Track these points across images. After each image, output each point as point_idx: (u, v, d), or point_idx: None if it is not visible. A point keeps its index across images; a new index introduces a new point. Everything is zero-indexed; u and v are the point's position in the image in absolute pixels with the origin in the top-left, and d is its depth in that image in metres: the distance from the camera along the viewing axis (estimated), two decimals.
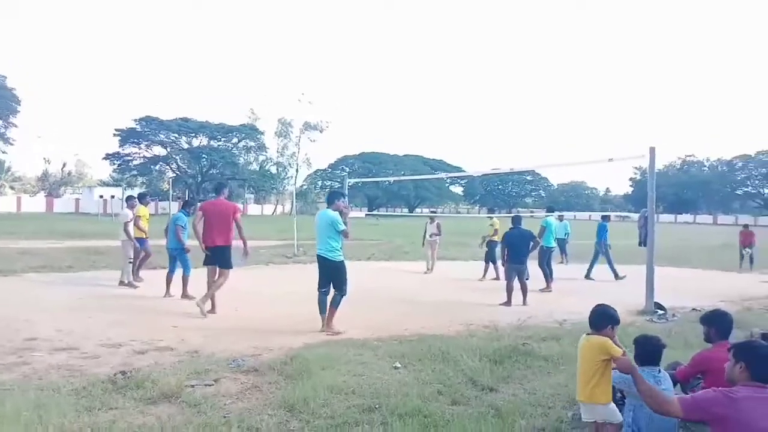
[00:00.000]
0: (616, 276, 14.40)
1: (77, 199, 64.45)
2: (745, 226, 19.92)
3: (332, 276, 7.68)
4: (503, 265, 11.14)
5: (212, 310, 8.73)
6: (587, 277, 14.70)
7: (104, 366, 5.74)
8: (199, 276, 9.64)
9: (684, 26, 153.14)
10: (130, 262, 11.29)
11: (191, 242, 10.11)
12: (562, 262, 18.19)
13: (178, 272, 10.23)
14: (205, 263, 9.01)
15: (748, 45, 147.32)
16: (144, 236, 11.81)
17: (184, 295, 9.89)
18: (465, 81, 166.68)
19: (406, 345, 6.77)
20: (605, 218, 16.32)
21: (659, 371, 3.95)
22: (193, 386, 5.06)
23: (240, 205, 10.43)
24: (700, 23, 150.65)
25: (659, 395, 3.20)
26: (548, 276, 12.55)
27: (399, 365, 5.92)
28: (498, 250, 12.74)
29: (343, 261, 7.75)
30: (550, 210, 14.94)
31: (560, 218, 19.95)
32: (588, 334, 3.88)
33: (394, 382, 5.33)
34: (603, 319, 3.88)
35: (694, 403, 3.02)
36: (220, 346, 6.66)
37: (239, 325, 7.89)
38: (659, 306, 9.62)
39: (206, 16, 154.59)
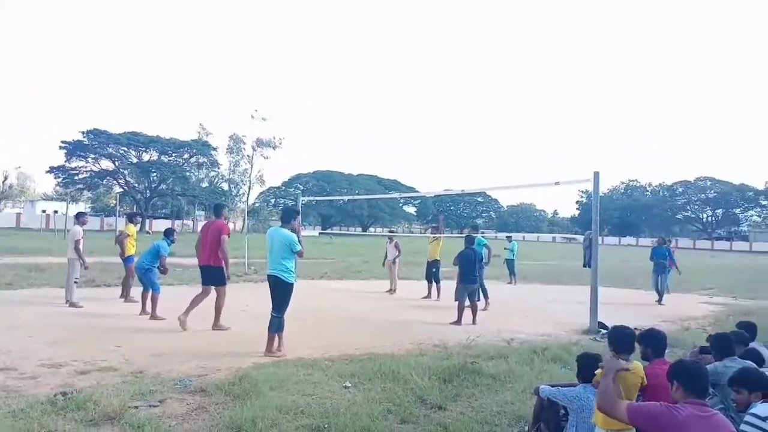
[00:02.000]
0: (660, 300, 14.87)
1: (18, 214, 61.92)
2: (666, 240, 19.78)
3: (276, 294, 7.42)
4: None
5: (184, 316, 8.86)
6: (660, 302, 14.83)
7: (44, 387, 5.55)
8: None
9: (628, 58, 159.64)
10: (76, 281, 10.93)
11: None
12: (510, 282, 18.55)
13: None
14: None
15: (688, 73, 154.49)
16: (132, 254, 11.73)
17: (153, 316, 9.72)
18: (419, 103, 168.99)
19: (357, 364, 6.79)
20: (662, 242, 16.55)
21: None
22: (137, 407, 4.94)
23: (229, 226, 10.51)
24: (647, 53, 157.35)
25: (612, 396, 3.34)
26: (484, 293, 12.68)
27: (349, 384, 5.93)
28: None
29: (293, 284, 7.54)
30: (475, 229, 15.06)
31: (509, 239, 20.38)
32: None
33: (344, 402, 5.34)
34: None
35: (640, 411, 3.17)
36: (166, 366, 6.53)
37: (186, 345, 7.74)
38: (602, 325, 9.90)
39: (157, 27, 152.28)
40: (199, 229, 9.84)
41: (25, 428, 4.35)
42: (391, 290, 15.13)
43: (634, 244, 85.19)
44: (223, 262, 8.94)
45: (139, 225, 12.16)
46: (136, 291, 11.14)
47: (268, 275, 7.61)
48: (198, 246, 9.34)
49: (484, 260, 12.01)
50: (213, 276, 9.03)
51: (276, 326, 7.38)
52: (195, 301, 9.06)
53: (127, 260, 11.71)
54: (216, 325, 9.00)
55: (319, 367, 6.60)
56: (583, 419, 3.92)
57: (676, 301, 15.33)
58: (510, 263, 19.10)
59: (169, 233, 10.90)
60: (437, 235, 15.28)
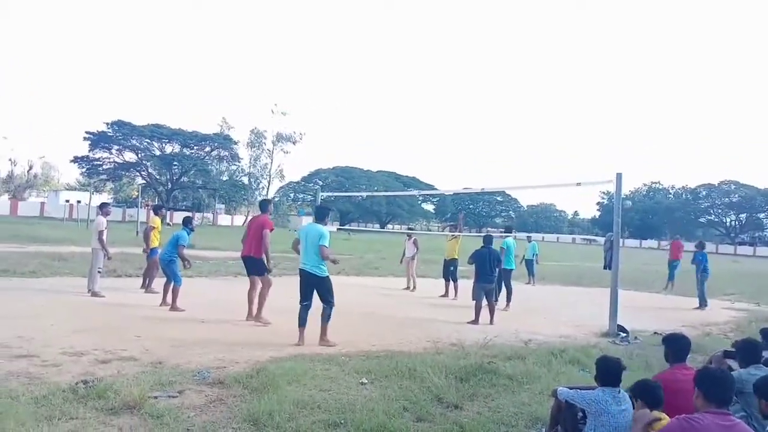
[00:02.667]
0: (702, 304, 14.60)
1: (42, 203, 62.91)
2: (676, 237, 19.32)
3: (319, 290, 7.79)
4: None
5: (250, 317, 9.16)
6: (703, 306, 14.59)
7: (65, 374, 5.64)
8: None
9: (654, 59, 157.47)
10: (99, 271, 11.09)
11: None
12: (528, 283, 18.42)
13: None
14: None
15: (715, 76, 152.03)
16: (156, 246, 11.91)
17: (173, 307, 9.82)
18: (441, 99, 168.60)
19: (374, 361, 6.79)
20: (702, 247, 16.24)
21: (619, 392, 4.05)
22: (156, 397, 5.00)
23: (272, 222, 10.90)
24: (672, 55, 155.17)
25: None
26: (509, 294, 12.68)
27: (365, 381, 5.95)
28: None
29: (328, 276, 7.87)
30: (509, 230, 15.00)
31: (528, 239, 20.25)
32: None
33: (360, 398, 5.35)
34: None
35: None
36: (185, 357, 6.59)
37: (205, 337, 7.81)
38: (622, 329, 9.81)
39: (182, 22, 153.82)
40: (238, 222, 10.11)
41: (47, 415, 4.43)
42: (409, 288, 15.12)
43: (655, 247, 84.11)
44: (264, 252, 9.19)
45: (163, 217, 12.26)
46: (158, 282, 11.29)
47: (300, 269, 7.90)
48: (244, 239, 9.56)
49: (502, 262, 11.97)
50: (254, 266, 9.29)
51: (327, 317, 7.78)
52: (251, 297, 9.25)
53: (151, 252, 11.84)
54: (258, 318, 9.05)
55: (336, 363, 6.63)
56: (601, 423, 3.88)
57: (696, 306, 15.10)
58: (529, 264, 19.00)
59: (187, 222, 10.93)
60: (455, 234, 15.21)
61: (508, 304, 12.52)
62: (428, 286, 15.71)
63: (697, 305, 14.55)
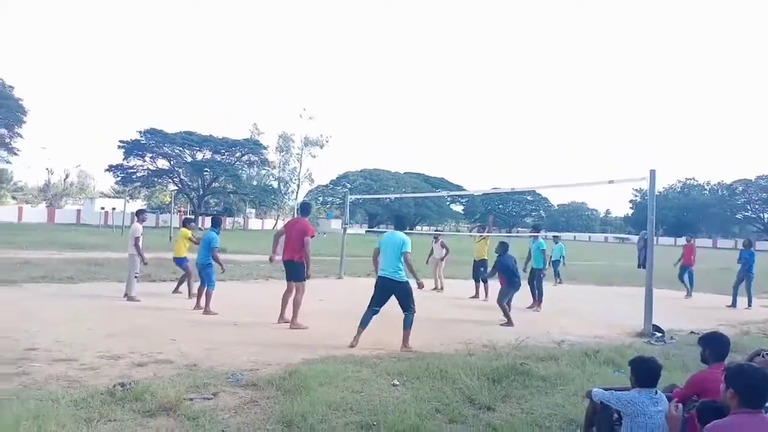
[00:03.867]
0: (734, 303, 14.21)
1: (78, 210, 64.43)
2: (688, 239, 18.16)
3: (399, 296, 7.91)
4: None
5: (281, 320, 9.29)
6: (750, 305, 14.18)
7: (103, 377, 5.76)
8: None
9: (687, 54, 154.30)
10: (136, 276, 11.31)
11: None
12: (556, 284, 18.18)
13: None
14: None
15: (750, 70, 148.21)
16: (185, 256, 12.17)
17: (206, 311, 9.95)
18: (467, 99, 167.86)
19: (405, 362, 6.78)
20: (749, 245, 15.41)
21: (656, 392, 3.97)
22: (191, 399, 5.08)
23: (313, 228, 11.34)
24: (704, 49, 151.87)
25: None
26: (540, 295, 12.63)
27: (397, 383, 5.94)
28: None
29: (408, 281, 7.95)
30: (536, 229, 14.84)
31: (555, 240, 19.99)
32: None
33: (392, 400, 5.35)
34: None
35: None
36: (219, 359, 6.68)
37: (238, 340, 7.90)
38: (657, 328, 9.62)
39: (211, 28, 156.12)
40: (283, 225, 10.23)
41: (86, 417, 4.53)
42: (437, 288, 15.09)
43: None
44: (305, 259, 9.21)
45: (192, 230, 12.56)
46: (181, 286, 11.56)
47: (380, 276, 8.03)
48: (277, 238, 9.77)
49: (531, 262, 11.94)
50: (294, 271, 9.29)
51: (409, 323, 7.86)
52: (285, 299, 9.42)
53: (181, 261, 12.13)
54: (294, 324, 9.03)
55: (368, 365, 6.63)
56: (637, 424, 3.80)
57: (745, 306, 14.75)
58: (555, 264, 18.78)
59: (216, 223, 11.05)
60: (484, 234, 15.13)
61: (539, 304, 12.43)
62: (458, 287, 15.63)
63: (747, 305, 14.08)
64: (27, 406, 4.60)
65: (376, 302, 7.93)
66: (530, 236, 14.96)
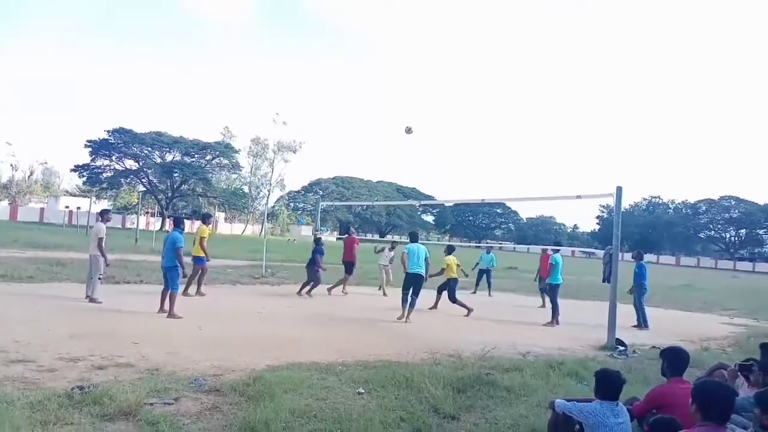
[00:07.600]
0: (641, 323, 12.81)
1: (42, 209, 62.87)
2: (543, 250, 16.68)
3: (417, 286, 11.59)
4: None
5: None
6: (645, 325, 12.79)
7: (61, 380, 5.62)
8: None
9: (656, 72, 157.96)
10: (100, 278, 11.06)
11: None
12: (490, 294, 18.14)
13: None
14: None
15: (716, 91, 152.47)
16: (203, 255, 12.60)
17: (171, 314, 9.77)
18: (441, 111, 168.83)
19: (371, 371, 6.78)
20: (640, 257, 13.97)
21: (617, 405, 4.04)
22: (152, 404, 4.98)
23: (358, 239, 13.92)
24: (673, 69, 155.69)
25: None
26: (556, 311, 12.57)
27: (362, 391, 5.93)
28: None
29: (424, 275, 11.83)
30: (558, 245, 15.01)
31: (488, 250, 19.80)
32: None
33: (357, 408, 5.33)
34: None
35: None
36: (182, 364, 6.57)
37: (202, 344, 7.79)
38: (620, 342, 9.78)
39: (186, 28, 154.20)
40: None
41: (42, 420, 4.41)
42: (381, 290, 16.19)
43: (654, 261, 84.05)
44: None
45: (210, 224, 12.77)
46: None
47: (410, 273, 11.62)
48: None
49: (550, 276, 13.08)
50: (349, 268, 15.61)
51: (413, 303, 11.54)
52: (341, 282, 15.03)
53: (198, 260, 12.53)
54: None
55: (333, 372, 6.61)
56: None
57: (695, 321, 15.08)
58: (487, 273, 18.75)
59: (178, 222, 11.16)
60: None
61: (554, 320, 12.47)
62: (426, 297, 15.65)
63: (636, 323, 12.75)
64: None
65: (408, 289, 11.50)
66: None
